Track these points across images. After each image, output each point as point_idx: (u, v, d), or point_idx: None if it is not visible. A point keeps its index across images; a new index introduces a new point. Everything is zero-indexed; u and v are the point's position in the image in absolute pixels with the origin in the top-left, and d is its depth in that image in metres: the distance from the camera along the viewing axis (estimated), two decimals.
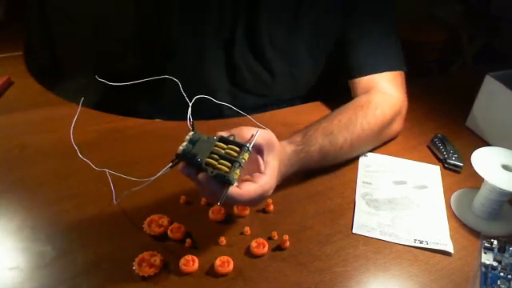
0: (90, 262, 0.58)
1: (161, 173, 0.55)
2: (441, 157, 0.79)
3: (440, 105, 0.96)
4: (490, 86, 0.83)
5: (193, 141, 0.53)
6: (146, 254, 0.57)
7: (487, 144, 0.84)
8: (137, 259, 0.57)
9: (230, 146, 0.53)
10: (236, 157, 0.52)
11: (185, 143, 0.53)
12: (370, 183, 0.73)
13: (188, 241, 0.60)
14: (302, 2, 0.81)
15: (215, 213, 0.65)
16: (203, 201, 0.67)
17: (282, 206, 0.67)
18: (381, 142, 0.80)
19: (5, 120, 0.84)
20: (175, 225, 0.62)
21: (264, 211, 0.67)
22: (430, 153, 0.82)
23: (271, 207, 0.67)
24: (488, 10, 2.09)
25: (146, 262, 0.56)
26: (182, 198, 0.67)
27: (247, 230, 0.63)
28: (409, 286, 0.58)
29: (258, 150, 0.56)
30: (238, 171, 0.52)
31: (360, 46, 0.82)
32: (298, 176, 0.69)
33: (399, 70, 0.82)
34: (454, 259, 0.61)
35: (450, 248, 0.62)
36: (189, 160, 0.52)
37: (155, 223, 0.62)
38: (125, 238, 0.61)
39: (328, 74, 0.90)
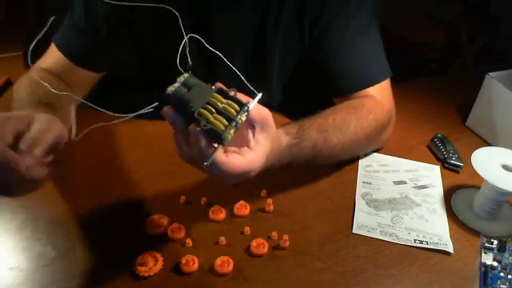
0: (90, 261, 0.58)
1: (141, 111, 0.48)
2: (441, 157, 0.79)
3: (440, 105, 0.96)
4: (490, 86, 0.83)
5: (187, 85, 0.47)
6: (145, 254, 0.57)
7: (487, 144, 0.84)
8: (137, 259, 0.57)
9: (228, 101, 0.48)
10: (234, 115, 0.47)
11: (177, 84, 0.46)
12: (370, 183, 0.73)
13: (188, 241, 0.60)
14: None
15: (215, 213, 0.65)
16: (203, 201, 0.67)
17: (282, 206, 0.67)
18: (369, 149, 0.79)
19: None
20: (175, 225, 0.62)
21: (264, 211, 0.67)
22: (430, 153, 0.82)
23: (271, 207, 0.66)
24: (488, 10, 2.09)
25: (146, 262, 0.56)
26: (182, 198, 0.67)
27: (247, 229, 0.63)
28: (409, 286, 0.58)
29: (250, 125, 0.51)
30: (232, 132, 0.46)
31: (347, 64, 0.78)
32: (297, 176, 0.69)
33: (387, 77, 0.79)
34: (454, 259, 0.61)
35: (450, 248, 0.62)
36: (180, 104, 0.46)
37: (155, 223, 0.62)
38: (125, 238, 0.61)
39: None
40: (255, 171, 0.52)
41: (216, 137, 0.46)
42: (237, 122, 0.47)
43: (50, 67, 0.77)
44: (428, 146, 0.83)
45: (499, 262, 0.56)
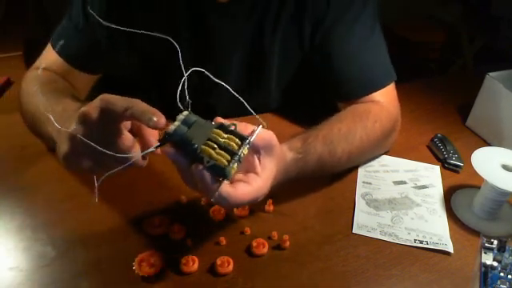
0: (90, 261, 0.58)
1: (145, 153, 0.49)
2: (441, 157, 0.79)
3: (440, 105, 0.96)
4: (490, 86, 0.83)
5: (187, 123, 0.47)
6: (145, 254, 0.57)
7: (487, 144, 0.84)
8: (137, 259, 0.57)
9: (229, 135, 0.49)
10: (236, 150, 0.47)
11: (177, 123, 0.47)
12: (370, 183, 0.73)
13: (188, 241, 0.60)
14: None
15: (215, 213, 0.65)
16: (203, 201, 0.67)
17: (282, 206, 0.67)
18: (375, 155, 0.79)
19: (5, 120, 0.84)
20: (175, 225, 0.62)
21: (264, 211, 0.66)
22: (430, 153, 0.82)
23: (271, 207, 0.66)
24: (488, 10, 2.09)
25: (146, 262, 0.56)
26: (182, 198, 0.67)
27: (247, 229, 0.63)
28: (409, 285, 0.58)
29: (255, 150, 0.52)
30: (235, 166, 0.47)
31: (351, 68, 0.77)
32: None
33: (391, 81, 0.79)
34: (454, 259, 0.61)
35: (450, 248, 0.62)
36: (181, 143, 0.46)
37: (155, 224, 0.62)
38: (125, 237, 0.61)
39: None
40: (262, 196, 0.53)
41: (220, 172, 0.46)
42: (239, 157, 0.47)
43: (48, 69, 0.77)
44: (428, 146, 0.83)
45: (499, 261, 0.56)
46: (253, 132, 0.50)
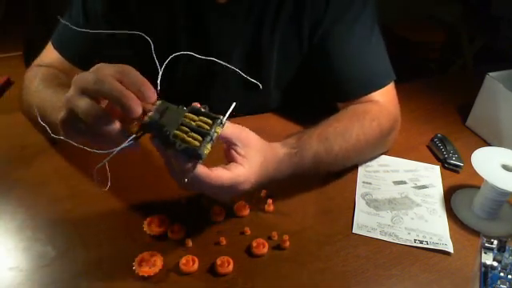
0: (90, 261, 0.58)
1: (123, 145, 0.49)
2: (441, 157, 0.79)
3: (440, 105, 0.96)
4: (490, 86, 0.83)
5: (160, 110, 0.49)
6: (145, 254, 0.57)
7: (487, 144, 0.84)
8: (137, 259, 0.57)
9: (201, 117, 0.50)
10: (208, 130, 0.49)
11: (151, 113, 0.49)
12: (369, 183, 0.73)
13: (188, 241, 0.60)
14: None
15: (215, 213, 0.65)
16: (203, 201, 0.67)
17: (282, 206, 0.67)
18: (375, 155, 0.78)
19: (5, 120, 0.84)
20: (175, 225, 0.62)
21: (264, 211, 0.66)
22: (430, 153, 0.82)
23: (271, 207, 0.66)
24: (488, 10, 2.09)
25: (146, 262, 0.56)
26: (182, 198, 0.67)
27: (247, 230, 0.63)
28: (409, 286, 0.58)
29: (228, 143, 0.54)
30: (209, 146, 0.48)
31: (350, 68, 0.77)
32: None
33: (391, 80, 0.79)
34: (454, 259, 0.61)
35: (450, 248, 0.62)
36: (155, 131, 0.48)
37: (155, 223, 0.62)
38: (125, 238, 0.61)
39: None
40: (247, 183, 0.54)
41: (192, 153, 0.48)
42: (211, 136, 0.49)
43: (49, 66, 0.77)
44: (428, 146, 0.83)
45: (499, 261, 0.56)
46: (225, 112, 0.51)
